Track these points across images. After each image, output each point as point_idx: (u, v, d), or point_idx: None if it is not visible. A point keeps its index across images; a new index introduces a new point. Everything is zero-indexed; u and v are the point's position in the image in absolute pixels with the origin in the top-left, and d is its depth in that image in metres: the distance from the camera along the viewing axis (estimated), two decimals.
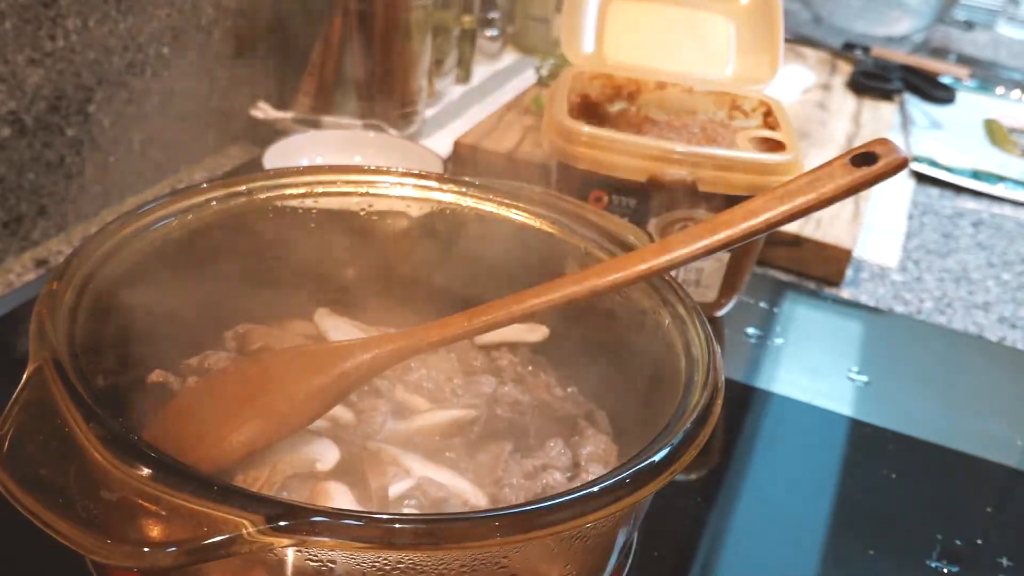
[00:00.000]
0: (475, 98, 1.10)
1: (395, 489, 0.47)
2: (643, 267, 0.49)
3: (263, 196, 0.56)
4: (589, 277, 0.49)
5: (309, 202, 0.58)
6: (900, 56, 1.41)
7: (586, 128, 0.67)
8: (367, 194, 0.59)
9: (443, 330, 0.47)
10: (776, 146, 0.71)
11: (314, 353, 0.47)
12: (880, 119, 1.23)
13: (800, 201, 0.52)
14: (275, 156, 0.79)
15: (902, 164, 0.52)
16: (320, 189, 0.58)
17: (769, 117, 0.76)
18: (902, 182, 1.11)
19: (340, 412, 0.50)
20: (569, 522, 0.36)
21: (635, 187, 0.68)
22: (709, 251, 0.51)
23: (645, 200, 0.68)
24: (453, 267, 0.59)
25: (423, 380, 0.55)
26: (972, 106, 1.38)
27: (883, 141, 0.53)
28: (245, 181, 0.56)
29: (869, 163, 0.52)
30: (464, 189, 0.59)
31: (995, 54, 1.59)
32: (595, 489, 0.37)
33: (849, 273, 0.90)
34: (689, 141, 0.73)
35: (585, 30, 0.80)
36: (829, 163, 0.53)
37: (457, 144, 0.95)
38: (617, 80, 0.77)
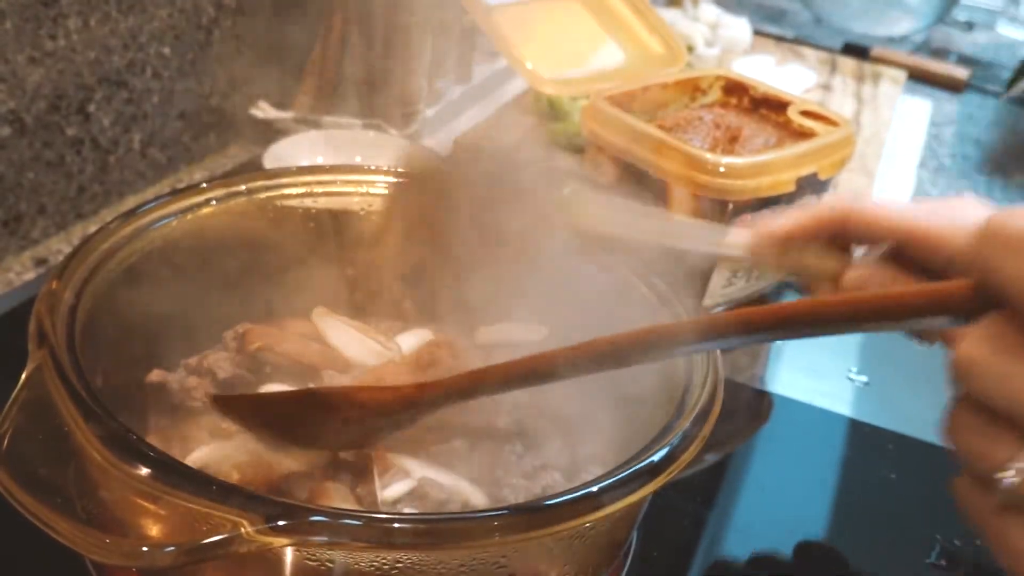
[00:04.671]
0: (475, 98, 1.10)
1: (395, 489, 0.47)
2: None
3: (263, 196, 0.56)
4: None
5: (309, 202, 0.58)
6: (901, 56, 1.41)
7: (724, 159, 0.65)
8: (367, 194, 0.59)
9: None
10: (813, 115, 0.75)
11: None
12: (880, 120, 1.23)
13: None
14: (275, 156, 0.78)
15: None
16: (320, 189, 0.58)
17: (737, 88, 0.78)
18: (902, 182, 1.11)
19: None
20: (569, 522, 0.36)
21: (776, 198, 0.68)
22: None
23: (779, 204, 0.69)
24: (452, 266, 0.59)
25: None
26: None
27: None
28: (245, 181, 0.56)
29: None
30: None
31: (995, 54, 1.59)
32: (595, 489, 0.37)
33: None
34: (722, 133, 0.72)
35: (525, 59, 0.79)
36: None
37: (457, 143, 0.95)
38: (616, 97, 0.74)
